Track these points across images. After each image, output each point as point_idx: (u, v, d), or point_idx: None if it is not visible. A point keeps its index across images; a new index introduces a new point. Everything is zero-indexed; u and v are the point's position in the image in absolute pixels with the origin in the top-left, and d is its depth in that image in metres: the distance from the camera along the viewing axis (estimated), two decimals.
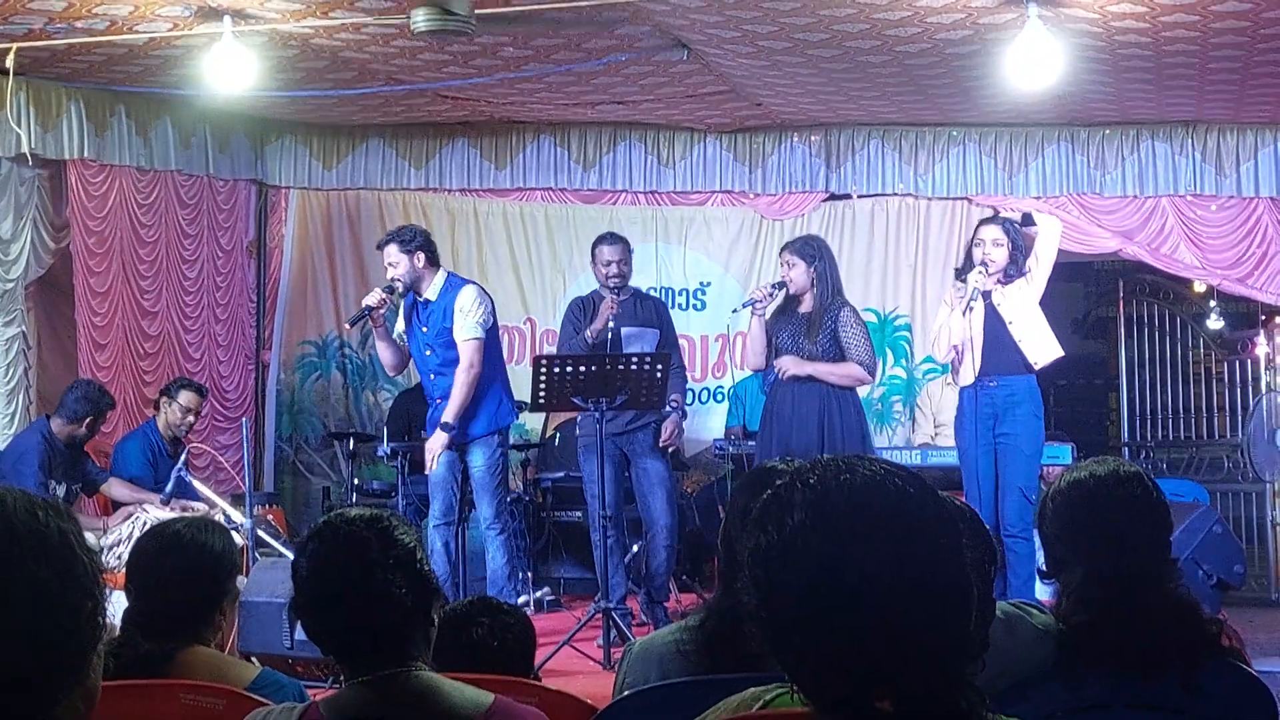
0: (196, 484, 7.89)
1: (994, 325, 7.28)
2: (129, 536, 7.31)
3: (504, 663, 3.39)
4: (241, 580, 5.18)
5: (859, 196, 10.64)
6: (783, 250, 7.83)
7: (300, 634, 5.75)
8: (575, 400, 7.32)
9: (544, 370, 7.34)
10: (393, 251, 7.66)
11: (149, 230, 9.65)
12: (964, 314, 7.22)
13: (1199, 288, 12.29)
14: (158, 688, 3.03)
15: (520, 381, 9.50)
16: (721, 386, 10.73)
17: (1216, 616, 3.01)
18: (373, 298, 7.62)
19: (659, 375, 7.36)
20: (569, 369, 7.34)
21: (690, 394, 9.86)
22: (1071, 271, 12.04)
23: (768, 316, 7.65)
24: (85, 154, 8.97)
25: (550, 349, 10.19)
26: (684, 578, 9.07)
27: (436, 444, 7.55)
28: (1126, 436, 11.98)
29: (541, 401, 7.46)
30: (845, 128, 10.46)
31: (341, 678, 2.64)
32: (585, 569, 9.31)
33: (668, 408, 7.96)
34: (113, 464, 8.57)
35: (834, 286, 7.64)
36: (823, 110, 9.93)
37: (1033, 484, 7.23)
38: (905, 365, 10.59)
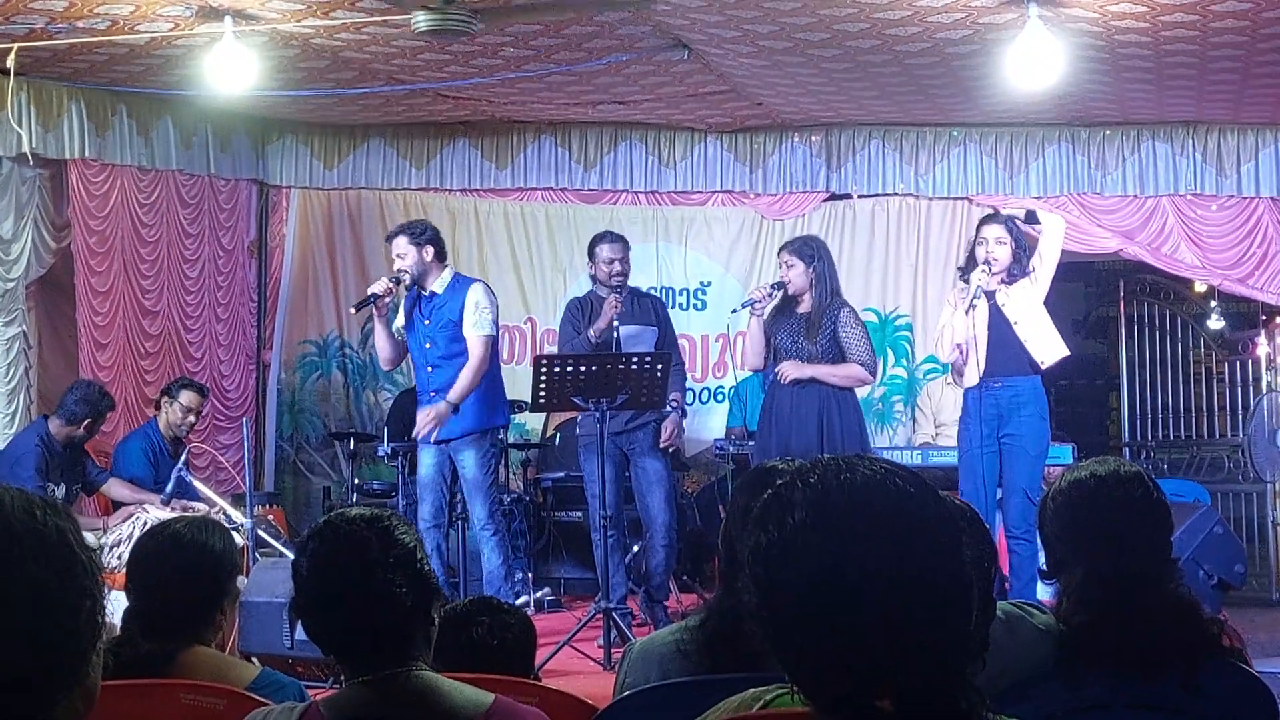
0: (197, 484, 7.89)
1: (998, 325, 7.19)
2: (129, 536, 7.30)
3: (504, 662, 3.39)
4: (242, 580, 5.18)
5: (859, 196, 10.64)
6: (781, 250, 7.82)
7: (300, 634, 5.75)
8: (575, 400, 7.31)
9: (544, 370, 7.34)
10: (402, 243, 7.69)
11: (150, 230, 9.65)
12: (967, 313, 7.16)
13: (1200, 288, 12.29)
14: (158, 688, 3.03)
15: (521, 381, 9.52)
16: (722, 386, 10.73)
17: (1217, 617, 3.01)
18: (379, 286, 7.65)
19: (659, 375, 7.36)
20: (569, 369, 7.33)
21: (691, 394, 9.87)
22: (1072, 271, 12.03)
23: (766, 317, 7.64)
24: (86, 154, 8.97)
25: (551, 349, 10.19)
26: (684, 578, 9.07)
27: (434, 412, 7.50)
28: (1127, 436, 11.99)
29: (542, 401, 7.45)
30: (846, 128, 10.46)
31: (342, 677, 2.64)
32: (585, 569, 9.30)
33: (668, 407, 7.96)
34: (113, 464, 8.57)
35: (832, 287, 7.64)
36: (823, 110, 9.93)
37: (1036, 485, 7.15)
38: (906, 365, 10.60)
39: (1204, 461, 11.60)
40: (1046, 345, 7.26)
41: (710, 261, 10.91)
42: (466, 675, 2.76)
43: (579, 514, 9.45)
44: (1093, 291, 15.34)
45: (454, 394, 7.52)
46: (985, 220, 7.48)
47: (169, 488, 7.63)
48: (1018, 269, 7.27)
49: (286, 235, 10.82)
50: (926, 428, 10.10)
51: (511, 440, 10.09)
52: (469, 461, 7.63)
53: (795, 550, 1.61)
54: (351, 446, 9.61)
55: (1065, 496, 3.10)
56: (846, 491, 1.64)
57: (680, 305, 10.74)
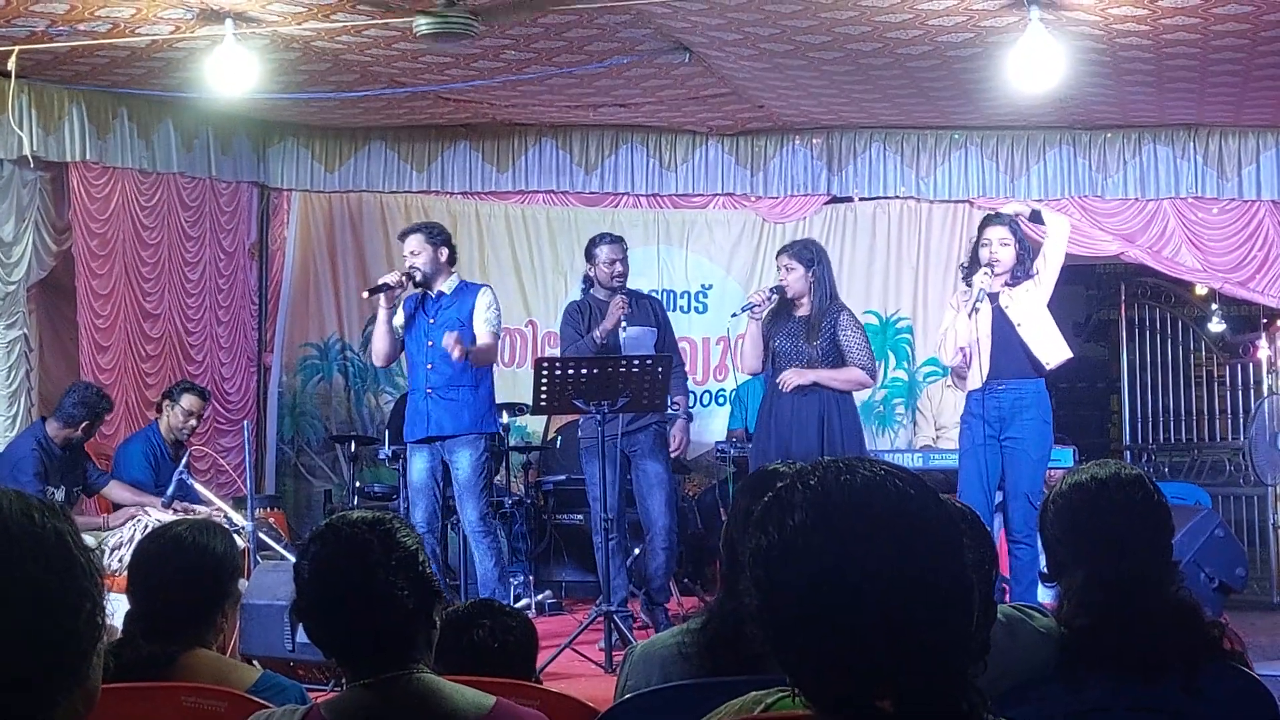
0: (198, 487, 7.88)
1: (1002, 328, 7.15)
2: (130, 539, 7.31)
3: (505, 665, 3.39)
4: (243, 583, 5.18)
5: (860, 199, 10.64)
6: (780, 254, 7.81)
7: (302, 637, 5.75)
8: (576, 403, 7.31)
9: (545, 373, 7.33)
10: (418, 240, 7.73)
11: (151, 232, 9.66)
12: (970, 316, 7.12)
13: (1200, 291, 12.29)
14: (159, 690, 3.03)
15: (522, 384, 9.52)
16: (723, 389, 10.73)
17: (1218, 620, 3.01)
18: (391, 277, 7.69)
19: (660, 377, 7.36)
20: (570, 371, 7.33)
21: (692, 397, 9.86)
22: (1073, 274, 12.02)
23: (764, 320, 7.63)
24: (87, 156, 8.98)
25: (552, 351, 10.19)
26: (685, 581, 9.07)
27: (451, 338, 7.49)
28: (1128, 439, 11.98)
29: (543, 404, 7.45)
30: (847, 130, 10.47)
31: (343, 680, 2.64)
32: (586, 572, 9.30)
33: (670, 410, 7.96)
34: (114, 467, 8.57)
35: (831, 290, 7.65)
36: (824, 113, 9.93)
37: (1038, 489, 7.10)
38: (907, 368, 10.60)
39: (1205, 464, 11.60)
40: (1050, 347, 7.21)
41: (711, 264, 10.91)
42: (468, 678, 2.76)
43: (580, 517, 9.45)
44: (1093, 294, 15.34)
45: (470, 347, 7.53)
46: (988, 221, 7.40)
47: (170, 490, 7.62)
48: (1021, 270, 7.21)
49: (287, 238, 10.82)
50: (927, 430, 10.10)
51: (513, 443, 10.10)
52: (463, 463, 7.63)
53: (796, 552, 1.62)
54: (352, 449, 9.62)
55: (1066, 499, 3.10)
56: (847, 493, 1.64)
57: (681, 308, 10.75)
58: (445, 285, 7.77)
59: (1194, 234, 10.12)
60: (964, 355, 7.20)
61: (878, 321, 10.50)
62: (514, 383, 10.30)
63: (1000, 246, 7.18)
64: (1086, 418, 15.34)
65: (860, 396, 8.09)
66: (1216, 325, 12.45)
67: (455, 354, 7.44)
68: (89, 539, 7.47)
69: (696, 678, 2.84)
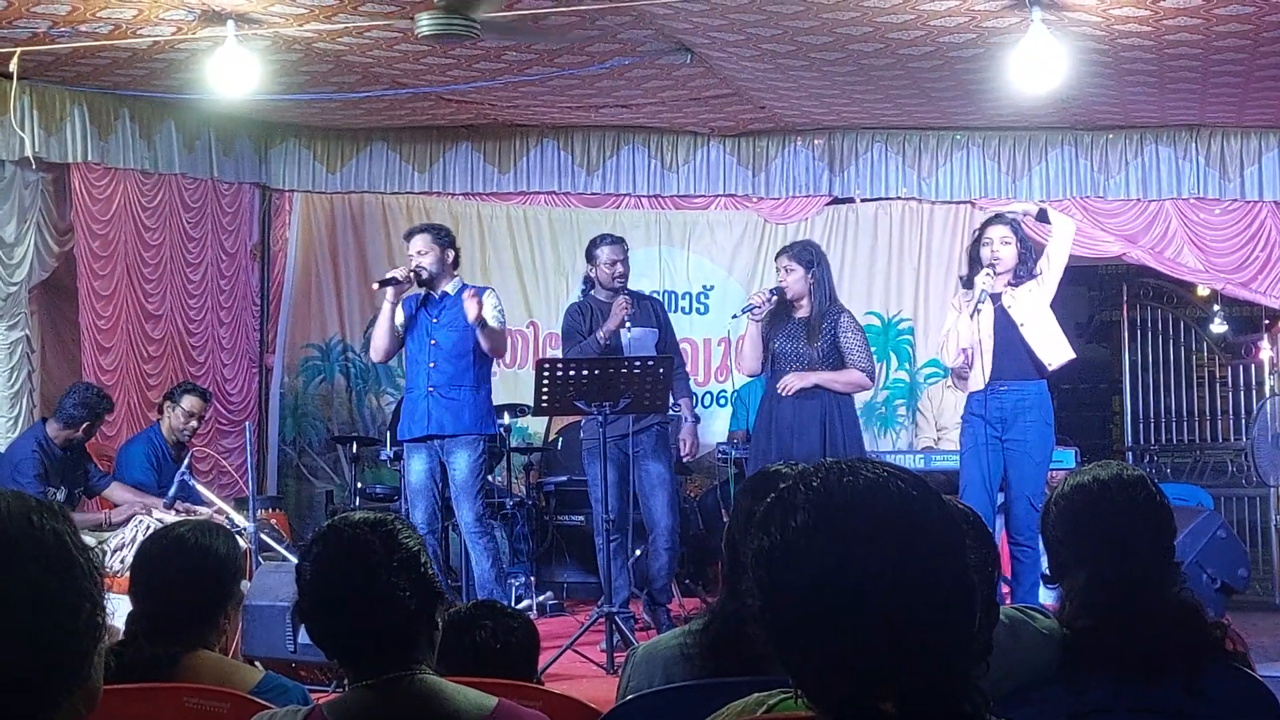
0: (200, 488, 7.88)
1: (1004, 329, 7.11)
2: (133, 540, 7.31)
3: (507, 666, 3.39)
4: (245, 584, 5.18)
5: (862, 200, 10.64)
6: (779, 255, 7.81)
7: (304, 638, 5.76)
8: (578, 404, 7.31)
9: (546, 374, 7.33)
10: (426, 240, 7.74)
11: (153, 234, 9.66)
12: (972, 318, 7.11)
13: (1203, 292, 12.29)
14: (161, 691, 3.03)
15: (523, 385, 9.51)
16: (725, 390, 10.73)
17: (1220, 621, 3.01)
18: (400, 271, 7.69)
19: (661, 377, 7.36)
20: (571, 372, 7.33)
21: (694, 398, 9.86)
22: (1075, 275, 12.02)
23: (763, 321, 7.63)
24: (89, 157, 8.99)
25: (554, 352, 10.19)
26: (687, 582, 9.07)
27: (470, 297, 7.51)
28: (1130, 441, 11.99)
29: (544, 405, 7.45)
30: (848, 131, 10.47)
31: (345, 681, 2.64)
32: (588, 573, 9.30)
33: (672, 412, 7.96)
34: (116, 468, 8.57)
35: (830, 292, 7.65)
36: (826, 114, 9.93)
37: (1040, 492, 7.07)
38: (908, 369, 10.59)
39: (1207, 465, 11.60)
40: (1053, 348, 7.17)
41: (713, 265, 10.91)
42: (469, 679, 2.76)
43: (581, 518, 9.44)
44: (1095, 295, 15.33)
45: (485, 318, 7.55)
46: (989, 221, 7.37)
47: (172, 491, 7.62)
48: (1024, 270, 7.17)
49: (289, 239, 10.82)
50: (928, 432, 10.10)
51: (514, 444, 10.10)
52: (461, 463, 7.63)
53: (798, 553, 1.62)
54: (354, 450, 9.62)
55: (1068, 500, 3.10)
56: (849, 494, 1.64)
57: (683, 309, 10.75)
58: (449, 287, 7.79)
59: (1196, 235, 10.12)
60: (966, 356, 7.17)
61: (879, 323, 10.50)
62: (515, 384, 10.31)
63: (1002, 245, 7.15)
64: (1088, 419, 15.34)
65: (860, 398, 8.08)
66: (1218, 326, 12.45)
67: (472, 313, 7.44)
68: (90, 539, 7.49)
69: (699, 679, 2.84)
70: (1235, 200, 10.04)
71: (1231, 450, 11.48)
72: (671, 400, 8.20)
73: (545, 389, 7.30)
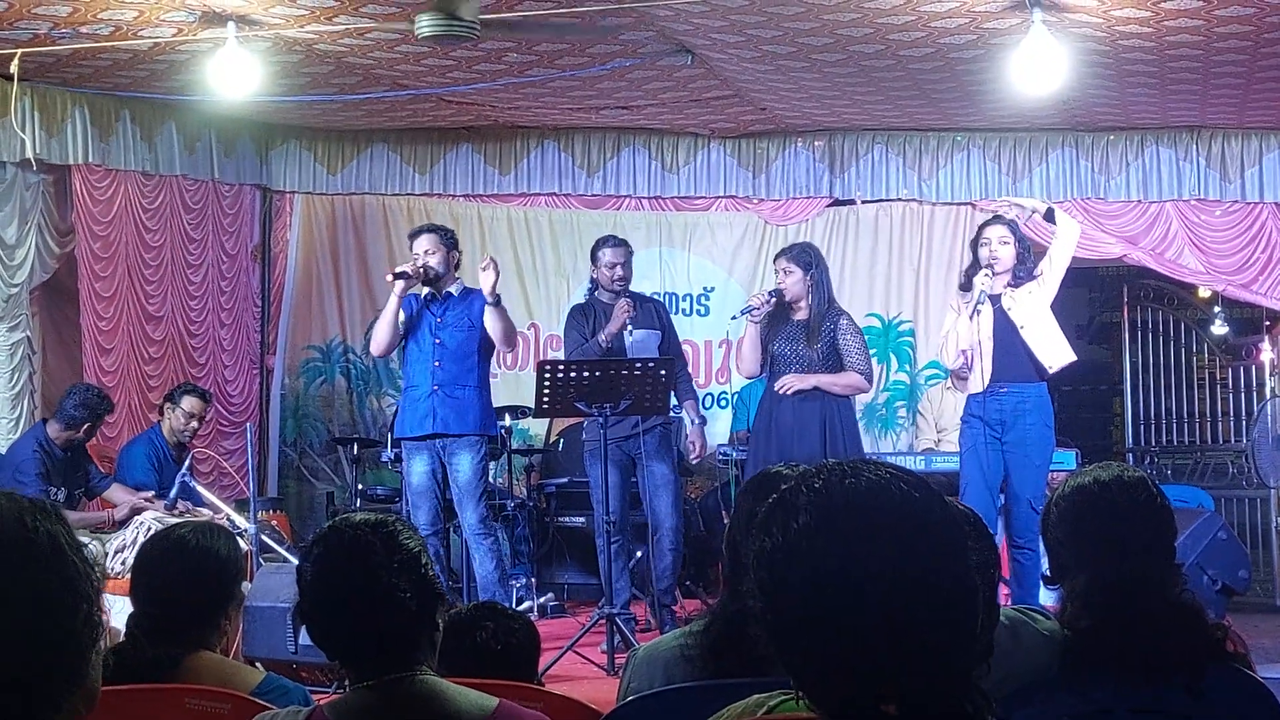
0: (201, 489, 7.89)
1: (1004, 330, 7.10)
2: (134, 542, 7.30)
3: (508, 667, 3.39)
4: (246, 585, 5.18)
5: (863, 202, 10.64)
6: (778, 257, 7.81)
7: (305, 639, 5.76)
8: (579, 405, 7.31)
9: (548, 375, 7.33)
10: (433, 240, 7.77)
11: (154, 235, 9.67)
12: (971, 318, 7.11)
13: (1203, 293, 12.28)
14: (163, 692, 3.03)
15: (524, 387, 9.51)
16: (725, 392, 10.74)
17: (1221, 622, 3.01)
18: (409, 266, 7.68)
19: (663, 379, 7.36)
20: (572, 374, 7.33)
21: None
22: (1075, 277, 12.01)
23: (762, 323, 7.63)
24: (90, 159, 8.99)
25: (554, 354, 10.19)
26: (688, 583, 9.07)
27: (490, 279, 7.52)
28: (1131, 442, 11.98)
29: (545, 407, 7.45)
30: (849, 133, 10.47)
31: (346, 682, 2.64)
32: (589, 574, 9.30)
33: (673, 414, 7.96)
34: (117, 469, 8.57)
35: (829, 294, 7.67)
36: (826, 115, 9.93)
37: (1040, 494, 7.05)
38: (908, 370, 10.59)
39: (1208, 467, 11.59)
40: (1054, 350, 7.16)
41: (713, 267, 10.91)
42: (470, 680, 2.76)
43: (582, 519, 9.44)
44: (1096, 297, 15.33)
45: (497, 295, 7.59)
46: (988, 222, 7.38)
47: (173, 493, 7.63)
48: (1023, 271, 7.17)
49: (290, 240, 10.83)
50: (928, 433, 10.09)
51: (515, 446, 10.09)
52: (464, 465, 7.63)
53: (799, 554, 1.62)
54: (355, 451, 9.62)
55: (1069, 501, 3.10)
56: (851, 495, 1.64)
57: (683, 311, 10.75)
58: (453, 287, 7.81)
59: (1197, 236, 10.12)
60: (965, 358, 7.17)
61: (880, 324, 10.50)
62: (516, 385, 10.31)
63: (1000, 245, 7.14)
64: (1089, 420, 15.34)
65: (860, 400, 8.09)
66: (1219, 328, 12.44)
67: (487, 284, 7.47)
68: (91, 540, 7.50)
69: (699, 680, 2.84)
70: (1236, 201, 10.03)
71: (1232, 452, 11.47)
72: (676, 402, 8.21)
73: (546, 391, 7.31)
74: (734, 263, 10.87)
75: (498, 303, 7.58)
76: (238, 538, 3.75)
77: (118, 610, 5.95)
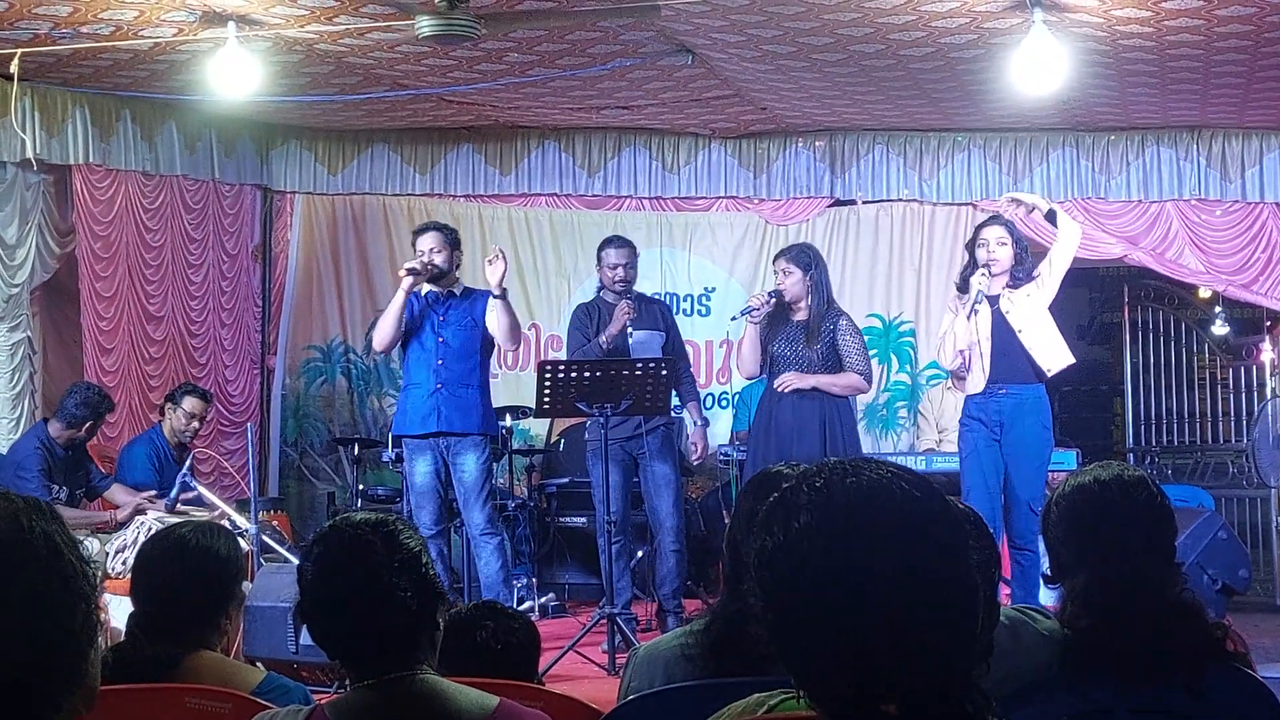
0: (201, 489, 7.89)
1: (1002, 332, 7.09)
2: (134, 541, 7.31)
3: (508, 667, 3.39)
4: (246, 585, 5.19)
5: (864, 202, 10.64)
6: (777, 258, 7.82)
7: (305, 639, 5.75)
8: (580, 405, 7.31)
9: (548, 376, 7.34)
10: (438, 238, 7.78)
11: (154, 235, 9.67)
12: (969, 318, 7.10)
13: (1204, 293, 12.28)
14: (163, 692, 3.03)
15: (525, 387, 9.51)
16: (726, 392, 10.73)
17: (1221, 621, 3.01)
18: (416, 263, 7.68)
19: (663, 379, 7.36)
20: (573, 374, 7.33)
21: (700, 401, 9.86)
22: (1076, 277, 12.00)
23: (761, 324, 7.63)
24: (90, 159, 8.99)
25: (555, 354, 10.19)
26: (688, 583, 9.07)
27: (498, 270, 7.56)
28: (1131, 442, 11.98)
29: (546, 407, 7.45)
30: (850, 133, 10.47)
31: (347, 682, 2.64)
32: (590, 574, 9.30)
33: (676, 415, 7.96)
34: (118, 469, 8.57)
35: (828, 295, 7.67)
36: (827, 115, 9.93)
37: (1039, 496, 7.04)
38: (909, 371, 10.59)
39: (1208, 467, 11.60)
40: (1052, 353, 7.13)
41: (714, 267, 10.91)
42: (471, 679, 2.76)
43: (583, 519, 9.44)
44: (1097, 297, 15.33)
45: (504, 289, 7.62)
46: (985, 223, 7.37)
47: (173, 493, 7.63)
48: (1021, 272, 7.15)
49: (291, 240, 10.83)
50: (929, 434, 10.09)
51: (516, 446, 10.09)
52: (470, 465, 7.63)
53: (800, 553, 1.62)
54: (355, 452, 9.62)
55: (1069, 501, 3.10)
56: (852, 494, 1.64)
57: (684, 311, 10.74)
58: (456, 287, 7.85)
59: (1197, 236, 10.11)
60: (963, 358, 7.17)
61: (880, 324, 10.50)
62: (517, 386, 10.30)
63: (998, 246, 7.13)
64: (1090, 420, 15.34)
65: (860, 400, 8.09)
66: (1220, 328, 12.44)
67: (495, 276, 7.51)
68: (88, 538, 7.50)
69: (700, 679, 2.83)
70: (1236, 201, 10.03)
71: (1232, 452, 11.48)
72: (679, 403, 8.22)
73: (546, 391, 7.31)
74: (735, 263, 10.87)
75: (504, 296, 7.59)
76: (238, 538, 3.74)
77: (119, 610, 5.96)
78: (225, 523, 7.19)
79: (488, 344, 7.82)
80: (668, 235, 10.87)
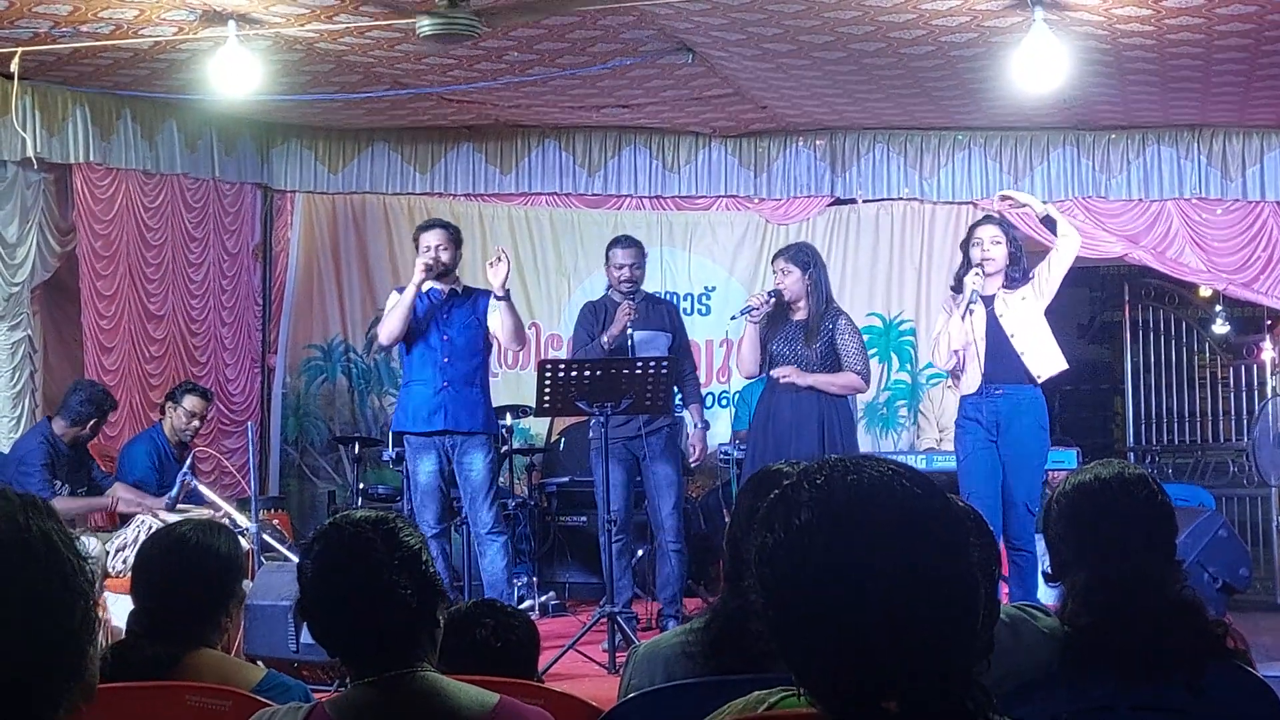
0: (202, 488, 7.89)
1: (997, 333, 7.09)
2: (135, 540, 7.31)
3: (507, 664, 3.39)
4: (247, 584, 5.19)
5: (864, 201, 10.63)
6: (776, 258, 7.82)
7: (306, 637, 5.75)
8: (580, 404, 7.31)
9: (549, 375, 7.34)
10: (444, 236, 7.80)
11: (155, 234, 9.66)
12: (964, 318, 7.10)
13: (1204, 292, 12.29)
14: (163, 690, 3.03)
15: (525, 386, 9.50)
16: (726, 391, 10.73)
17: (1221, 619, 3.01)
18: (429, 258, 7.69)
19: (664, 379, 7.36)
20: (574, 373, 7.34)
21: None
22: (1077, 276, 11.99)
23: (761, 323, 7.63)
24: (91, 158, 8.98)
25: (555, 353, 10.20)
26: (689, 581, 9.07)
27: (501, 272, 7.57)
28: (1132, 441, 11.98)
29: (546, 406, 7.45)
30: (850, 132, 10.46)
31: (347, 680, 2.64)
32: (590, 573, 9.31)
33: (678, 415, 7.96)
34: (119, 468, 8.58)
35: (827, 294, 7.68)
36: (827, 114, 9.93)
37: (1036, 496, 7.06)
38: (910, 370, 10.58)
39: (1209, 466, 11.60)
40: (1044, 359, 7.11)
41: (714, 266, 10.91)
42: (470, 677, 2.76)
43: (584, 518, 9.45)
44: (1097, 296, 15.34)
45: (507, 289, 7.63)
46: (979, 223, 7.37)
47: (174, 491, 7.63)
48: (1017, 271, 7.14)
49: (291, 239, 10.82)
50: (930, 433, 10.09)
51: (516, 445, 10.09)
52: (477, 464, 7.64)
53: (801, 550, 1.62)
54: (356, 450, 9.61)
55: (1070, 499, 3.10)
56: (853, 492, 1.64)
57: (685, 310, 10.73)
58: (459, 285, 7.85)
59: (1198, 235, 10.11)
60: (958, 358, 7.17)
61: (881, 324, 10.50)
62: (517, 385, 10.30)
63: (993, 245, 7.12)
64: (1090, 419, 15.35)
65: (860, 399, 8.09)
66: (1220, 327, 12.45)
67: (498, 278, 7.52)
68: (84, 535, 7.50)
69: (700, 677, 2.83)
70: (1237, 200, 10.02)
71: (1233, 450, 11.48)
72: (682, 404, 8.22)
73: (547, 390, 7.31)
74: (735, 262, 10.86)
75: (507, 297, 7.59)
76: (238, 536, 3.75)
77: (119, 608, 5.96)
78: (225, 521, 7.20)
79: (488, 343, 7.84)
80: (668, 234, 10.86)
